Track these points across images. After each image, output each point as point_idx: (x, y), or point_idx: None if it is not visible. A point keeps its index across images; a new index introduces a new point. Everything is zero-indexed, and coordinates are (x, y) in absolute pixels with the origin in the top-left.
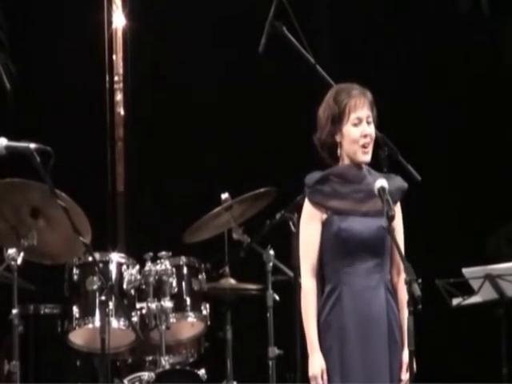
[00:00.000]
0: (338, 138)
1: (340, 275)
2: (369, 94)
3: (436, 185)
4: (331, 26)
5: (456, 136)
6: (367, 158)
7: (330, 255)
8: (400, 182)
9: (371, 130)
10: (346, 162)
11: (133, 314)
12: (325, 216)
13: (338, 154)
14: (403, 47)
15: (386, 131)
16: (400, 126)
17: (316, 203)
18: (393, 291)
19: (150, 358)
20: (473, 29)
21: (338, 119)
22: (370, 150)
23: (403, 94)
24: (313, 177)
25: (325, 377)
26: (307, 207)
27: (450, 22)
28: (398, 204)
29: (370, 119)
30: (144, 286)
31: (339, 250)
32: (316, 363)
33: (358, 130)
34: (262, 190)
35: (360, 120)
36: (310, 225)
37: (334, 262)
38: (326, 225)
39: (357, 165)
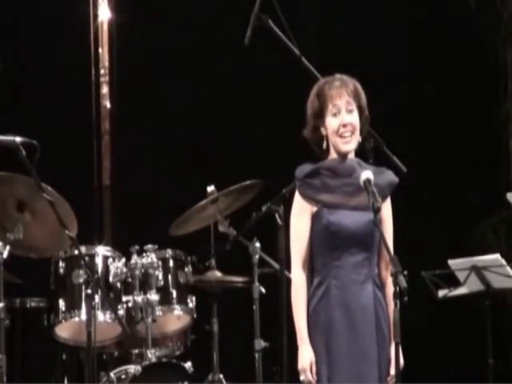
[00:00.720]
0: (323, 132)
1: (328, 268)
2: (351, 84)
3: (422, 176)
4: (318, 18)
5: (443, 128)
6: (348, 147)
7: (319, 248)
8: (391, 177)
9: (352, 118)
10: (334, 154)
11: (119, 307)
12: (315, 209)
13: (325, 147)
14: (390, 38)
15: (371, 123)
16: (386, 118)
17: (306, 196)
18: (381, 285)
19: (137, 351)
20: (459, 20)
21: (319, 112)
22: (352, 139)
23: (390, 86)
24: (303, 170)
25: (314, 369)
26: (297, 200)
27: (438, 14)
28: (388, 199)
29: (351, 107)
30: (130, 279)
31: (328, 243)
32: (305, 356)
33: (337, 121)
34: (247, 182)
35: (338, 109)
36: (300, 218)
37: (323, 255)
38: (315, 218)
39: (344, 157)
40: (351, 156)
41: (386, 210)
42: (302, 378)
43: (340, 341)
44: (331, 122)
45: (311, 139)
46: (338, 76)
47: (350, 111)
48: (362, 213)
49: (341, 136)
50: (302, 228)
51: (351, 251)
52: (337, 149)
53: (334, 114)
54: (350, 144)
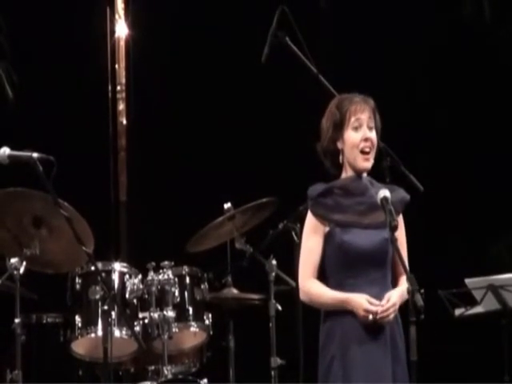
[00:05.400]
0: (339, 145)
1: (343, 287)
2: (371, 102)
3: (438, 194)
4: (334, 37)
5: (457, 143)
6: (367, 164)
7: (333, 267)
8: (402, 194)
9: (372, 135)
10: (349, 170)
11: (135, 323)
12: (327, 229)
13: (340, 161)
14: (405, 54)
15: (388, 141)
16: (402, 136)
17: (318, 216)
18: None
19: (153, 367)
20: (475, 32)
21: (339, 125)
22: (370, 157)
23: (406, 103)
24: (316, 189)
25: (372, 301)
26: (310, 219)
27: (452, 27)
28: (401, 216)
29: (372, 125)
30: (146, 296)
31: (342, 262)
32: (357, 300)
33: (359, 135)
34: (264, 199)
35: (360, 123)
36: (312, 236)
37: (337, 274)
38: (328, 237)
39: (359, 175)
40: (364, 174)
41: (399, 227)
42: (370, 317)
43: (355, 357)
44: (352, 136)
45: (326, 152)
46: (356, 94)
47: (371, 128)
48: (374, 231)
49: (362, 151)
50: (313, 247)
51: (365, 269)
52: (354, 165)
53: (355, 128)
54: (369, 162)
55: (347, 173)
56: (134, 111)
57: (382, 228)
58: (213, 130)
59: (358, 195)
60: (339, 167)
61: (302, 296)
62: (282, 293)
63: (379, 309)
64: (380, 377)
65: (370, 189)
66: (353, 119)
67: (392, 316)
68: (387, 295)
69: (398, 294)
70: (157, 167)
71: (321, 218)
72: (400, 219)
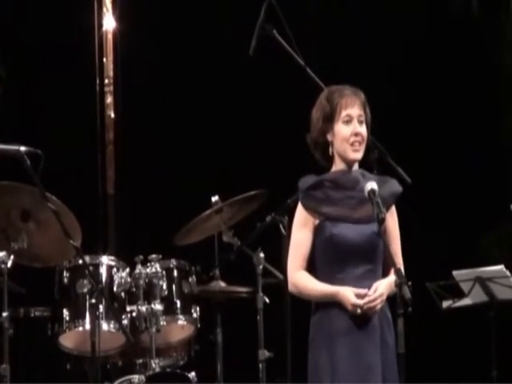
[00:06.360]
0: (329, 137)
1: (332, 281)
2: (361, 95)
3: (426, 186)
4: (321, 29)
5: (445, 137)
6: (357, 155)
7: (321, 261)
8: (394, 186)
9: (362, 129)
10: (338, 162)
11: (123, 316)
12: (317, 221)
13: (330, 153)
14: (393, 47)
15: (376, 133)
16: (390, 128)
17: (309, 208)
18: None
19: (141, 360)
20: (462, 28)
21: (329, 117)
22: (360, 148)
23: (393, 96)
24: (306, 181)
25: (358, 292)
26: (300, 211)
27: (440, 21)
28: (394, 208)
29: (362, 119)
30: (134, 289)
31: (331, 255)
32: (345, 295)
33: (349, 129)
34: (252, 192)
35: (351, 118)
36: (302, 229)
37: (326, 268)
38: (318, 230)
39: (349, 167)
40: (355, 167)
41: (391, 219)
42: (359, 311)
43: (343, 353)
44: (342, 130)
45: (316, 144)
46: (346, 86)
47: (361, 122)
48: (365, 225)
49: (351, 144)
50: (303, 240)
51: (354, 263)
52: (344, 156)
53: (346, 122)
54: (358, 153)
55: (337, 165)
56: (122, 105)
57: (373, 222)
58: (201, 123)
59: (348, 189)
60: (329, 159)
61: (291, 288)
62: (269, 285)
63: (366, 300)
64: (370, 375)
65: (361, 182)
66: (343, 113)
67: (379, 306)
68: (375, 285)
69: (385, 284)
70: (144, 160)
71: (311, 210)
72: (393, 211)
